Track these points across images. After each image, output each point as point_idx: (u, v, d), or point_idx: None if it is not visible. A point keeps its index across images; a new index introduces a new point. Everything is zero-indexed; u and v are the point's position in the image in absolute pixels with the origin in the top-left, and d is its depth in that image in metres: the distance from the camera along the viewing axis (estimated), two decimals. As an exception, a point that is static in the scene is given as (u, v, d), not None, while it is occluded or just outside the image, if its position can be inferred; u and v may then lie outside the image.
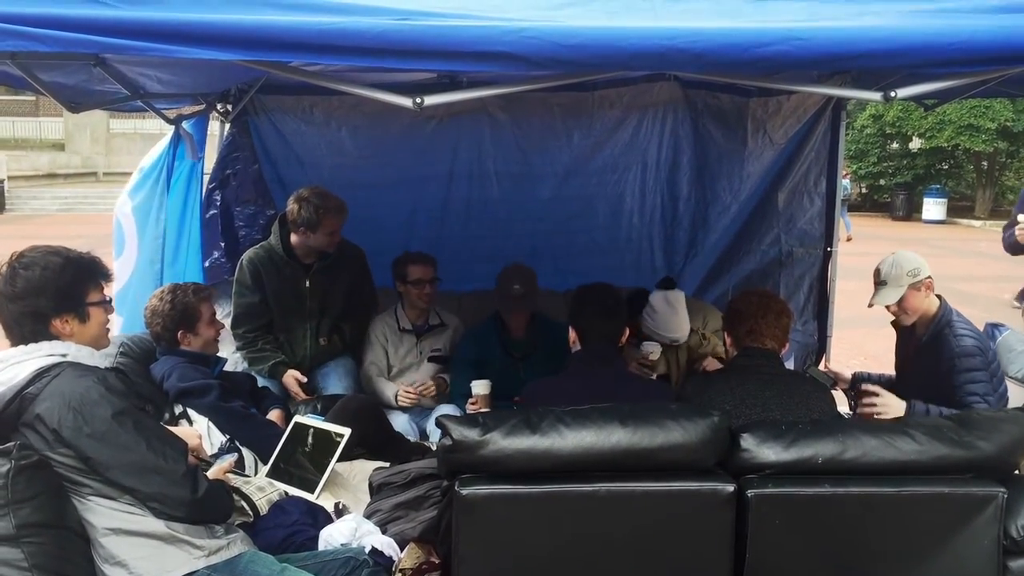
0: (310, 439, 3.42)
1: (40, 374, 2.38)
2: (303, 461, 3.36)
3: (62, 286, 2.47)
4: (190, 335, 3.67)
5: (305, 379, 4.35)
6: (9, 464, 2.28)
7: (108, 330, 2.68)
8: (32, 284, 2.43)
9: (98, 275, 2.60)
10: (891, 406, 3.40)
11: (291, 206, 4.26)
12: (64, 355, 2.45)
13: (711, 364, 4.28)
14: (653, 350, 4.12)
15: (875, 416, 3.38)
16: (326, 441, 3.38)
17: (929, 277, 3.67)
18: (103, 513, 2.43)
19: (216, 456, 3.23)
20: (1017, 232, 4.56)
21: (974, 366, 3.49)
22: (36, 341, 2.46)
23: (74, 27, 2.07)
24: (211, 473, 2.82)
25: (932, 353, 3.64)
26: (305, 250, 4.36)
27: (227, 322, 4.50)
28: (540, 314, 4.44)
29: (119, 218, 4.88)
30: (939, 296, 3.70)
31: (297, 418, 3.58)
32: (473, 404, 4.06)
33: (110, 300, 2.66)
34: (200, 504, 2.46)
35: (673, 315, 4.24)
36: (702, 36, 2.14)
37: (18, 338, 2.48)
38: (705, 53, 2.15)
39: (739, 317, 3.21)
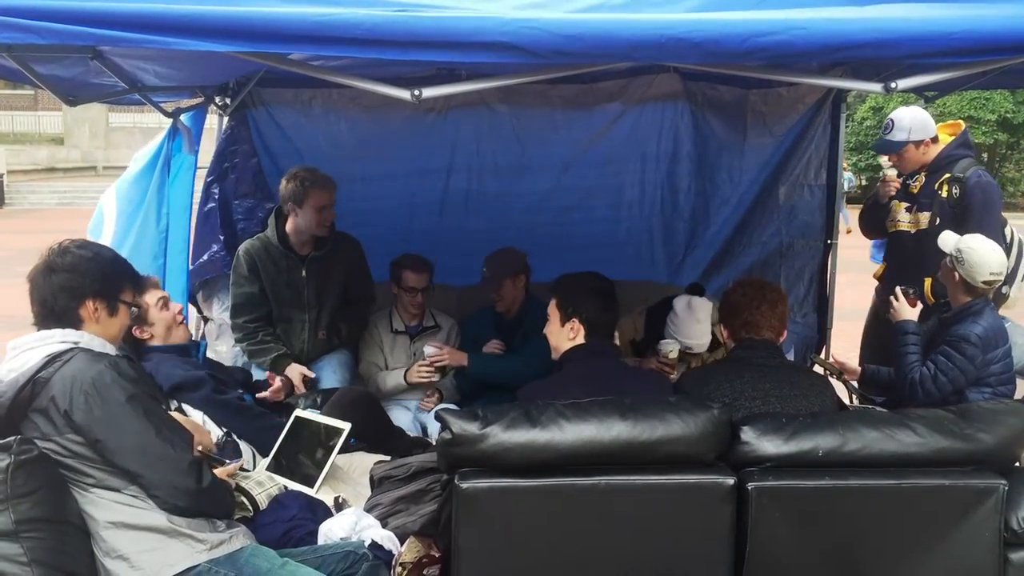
0: (310, 433, 3.42)
1: (52, 359, 2.41)
2: (303, 456, 3.35)
3: (107, 273, 2.58)
4: (145, 327, 3.52)
5: (313, 375, 4.32)
6: (9, 459, 2.29)
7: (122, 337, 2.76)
8: (82, 262, 2.53)
9: (137, 280, 2.72)
10: (902, 312, 3.82)
11: (281, 184, 4.31)
12: (76, 343, 2.48)
13: None
14: (672, 349, 4.06)
15: (890, 314, 3.89)
16: (326, 435, 3.38)
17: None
18: (105, 506, 2.43)
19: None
20: (879, 186, 4.60)
21: (960, 349, 3.56)
22: (63, 320, 2.49)
23: (70, 19, 2.06)
24: (217, 474, 2.82)
25: (947, 324, 3.72)
26: (300, 238, 4.35)
27: (226, 316, 4.49)
28: (534, 298, 4.44)
29: (101, 206, 4.80)
30: (983, 293, 3.69)
31: (298, 412, 3.56)
32: (420, 367, 4.32)
33: (137, 308, 2.75)
34: (203, 495, 2.47)
35: (693, 322, 4.13)
36: (701, 26, 2.13)
37: (47, 314, 2.50)
38: (704, 43, 2.14)
39: (734, 309, 3.20)
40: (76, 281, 2.51)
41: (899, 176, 4.67)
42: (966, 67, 2.47)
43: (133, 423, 2.39)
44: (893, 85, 2.53)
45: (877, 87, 2.60)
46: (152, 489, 2.43)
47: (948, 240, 3.78)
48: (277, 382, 3.98)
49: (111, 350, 2.57)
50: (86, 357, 2.43)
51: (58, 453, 2.39)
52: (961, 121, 4.71)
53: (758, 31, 2.14)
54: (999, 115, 22.47)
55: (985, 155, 25.10)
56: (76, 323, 2.52)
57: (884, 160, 4.70)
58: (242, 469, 3.12)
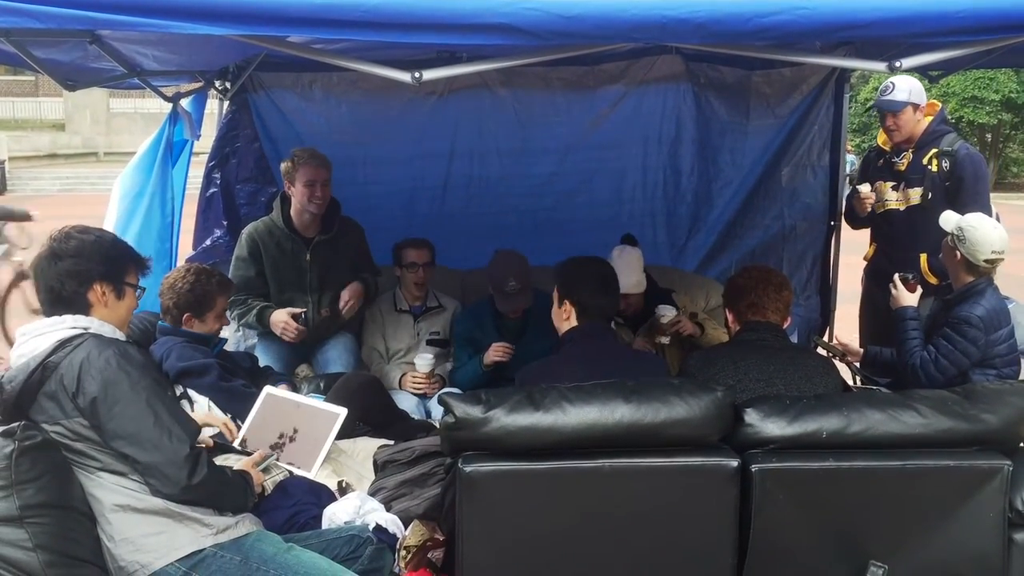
0: (304, 416, 3.31)
1: (63, 344, 2.43)
2: (294, 436, 3.25)
3: (111, 255, 2.60)
4: (196, 320, 3.65)
5: (300, 310, 4.29)
6: (13, 445, 2.31)
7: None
8: (85, 246, 2.55)
9: (140, 262, 2.73)
10: (902, 299, 3.82)
11: (281, 167, 4.38)
12: (87, 328, 2.49)
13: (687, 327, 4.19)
14: (666, 313, 4.09)
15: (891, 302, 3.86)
16: (322, 420, 3.29)
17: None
18: (112, 489, 2.44)
19: (219, 438, 3.22)
20: (855, 203, 4.61)
21: (961, 331, 3.56)
22: (71, 306, 2.51)
23: (68, 3, 2.04)
24: (240, 464, 2.82)
25: (950, 306, 3.71)
26: (302, 219, 4.35)
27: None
28: (537, 291, 4.38)
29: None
30: (985, 272, 3.67)
31: (268, 389, 3.44)
32: (415, 380, 4.28)
33: (143, 289, 2.75)
34: (193, 491, 2.44)
35: (623, 265, 4.17)
36: (703, 6, 2.11)
37: (55, 300, 2.52)
38: (707, 23, 2.12)
39: (739, 291, 3.20)
40: (82, 265, 2.52)
41: (883, 156, 4.69)
42: (971, 45, 2.45)
43: (134, 409, 2.39)
44: (897, 64, 2.51)
45: (881, 66, 2.58)
46: (145, 475, 2.43)
47: (949, 219, 3.75)
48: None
49: (121, 336, 2.59)
50: (96, 342, 2.44)
51: (65, 436, 2.40)
52: (936, 102, 4.74)
53: (762, 11, 2.12)
54: (1003, 95, 22.34)
55: (989, 136, 24.99)
56: (85, 308, 2.53)
57: (864, 188, 4.67)
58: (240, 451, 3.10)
